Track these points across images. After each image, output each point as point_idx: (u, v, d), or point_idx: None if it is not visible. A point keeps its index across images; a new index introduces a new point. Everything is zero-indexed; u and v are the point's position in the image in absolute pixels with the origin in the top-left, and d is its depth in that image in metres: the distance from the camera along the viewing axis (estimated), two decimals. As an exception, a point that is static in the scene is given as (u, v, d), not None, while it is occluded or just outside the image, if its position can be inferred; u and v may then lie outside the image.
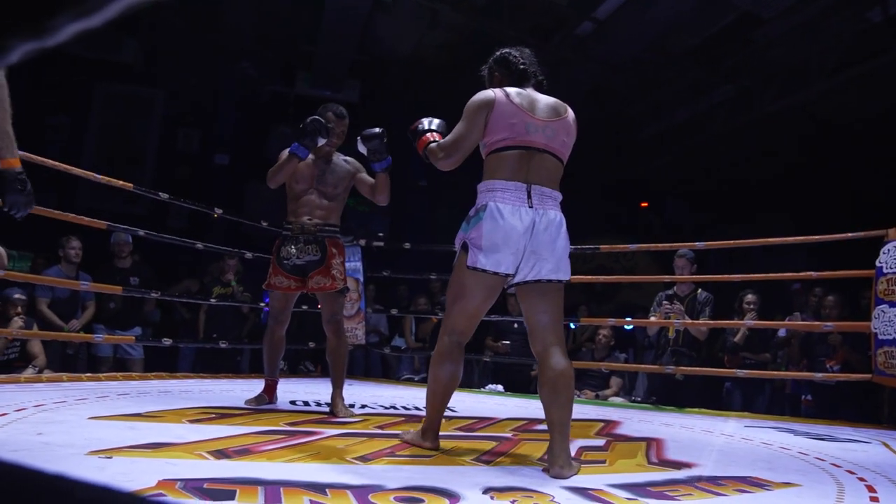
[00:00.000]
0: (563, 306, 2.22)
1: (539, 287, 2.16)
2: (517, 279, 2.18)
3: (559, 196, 2.22)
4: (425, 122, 2.46)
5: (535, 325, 2.19)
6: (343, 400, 3.24)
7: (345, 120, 3.29)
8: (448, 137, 2.27)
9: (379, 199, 3.22)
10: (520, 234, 2.10)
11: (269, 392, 3.44)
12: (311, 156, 3.21)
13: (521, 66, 2.33)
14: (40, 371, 4.14)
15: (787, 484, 2.05)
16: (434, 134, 2.40)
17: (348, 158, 3.37)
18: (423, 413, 3.42)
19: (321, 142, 3.12)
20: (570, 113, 2.30)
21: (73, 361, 4.86)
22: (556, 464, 1.98)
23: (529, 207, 2.12)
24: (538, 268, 2.13)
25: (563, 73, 7.82)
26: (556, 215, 2.17)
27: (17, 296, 4.15)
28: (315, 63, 8.33)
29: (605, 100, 8.54)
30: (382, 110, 9.03)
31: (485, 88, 2.34)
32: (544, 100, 2.28)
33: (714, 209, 9.76)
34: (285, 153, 3.19)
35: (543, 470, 2.04)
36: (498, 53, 2.41)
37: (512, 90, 2.24)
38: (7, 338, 3.94)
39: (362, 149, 3.06)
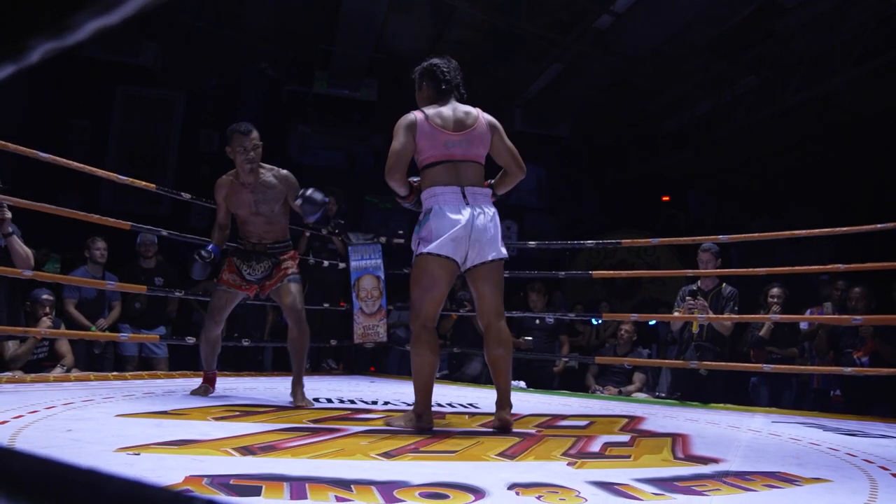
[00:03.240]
0: (503, 282, 2.68)
1: (484, 269, 2.60)
2: (468, 265, 2.59)
3: (489, 191, 2.65)
4: None
5: (481, 303, 2.67)
6: (303, 388, 3.26)
7: (252, 133, 3.25)
8: (388, 158, 2.60)
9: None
10: (462, 227, 2.50)
11: (212, 382, 3.52)
12: (237, 182, 3.29)
13: (444, 87, 2.67)
14: (68, 370, 4.21)
15: (818, 479, 2.01)
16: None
17: (280, 173, 3.34)
18: (445, 409, 3.46)
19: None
20: (481, 118, 2.66)
21: (100, 360, 4.93)
22: (505, 410, 2.59)
23: (466, 205, 2.53)
24: (482, 252, 2.56)
25: (583, 68, 7.77)
26: (490, 209, 2.60)
27: (45, 296, 4.22)
28: (333, 62, 8.36)
29: (625, 93, 8.47)
30: (401, 108, 9.04)
31: (414, 90, 2.78)
32: (459, 112, 2.64)
33: (737, 202, 9.66)
34: (221, 193, 3.37)
35: (493, 425, 2.61)
36: (427, 64, 2.74)
37: (432, 111, 2.61)
38: (36, 337, 4.00)
39: (299, 203, 3.12)
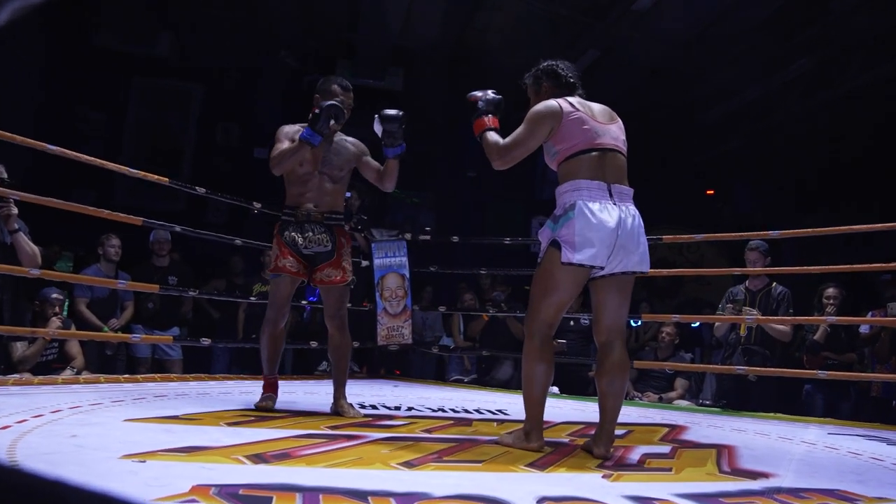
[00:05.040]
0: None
1: (622, 280, 2.46)
2: (604, 272, 2.42)
3: (632, 191, 2.50)
4: (482, 99, 2.66)
5: (607, 316, 2.48)
6: (347, 399, 3.22)
7: (350, 92, 3.21)
8: (508, 140, 2.51)
9: (386, 185, 3.24)
10: (611, 229, 2.34)
11: (275, 390, 3.31)
12: None
13: (571, 80, 2.62)
14: (78, 372, 4.26)
15: (882, 499, 1.94)
16: (492, 118, 2.63)
17: (352, 139, 3.31)
18: (473, 416, 3.42)
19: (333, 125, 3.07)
20: (619, 118, 2.61)
21: (112, 363, 4.98)
22: (603, 445, 2.38)
23: (613, 204, 2.38)
24: (626, 261, 2.40)
25: (621, 53, 7.66)
26: (635, 210, 2.46)
27: (54, 295, 4.27)
28: (356, 51, 8.37)
29: (666, 80, 8.32)
30: (428, 98, 9.02)
31: (528, 98, 2.66)
32: (598, 106, 2.57)
33: (789, 196, 9.42)
34: (286, 133, 3.12)
35: (585, 447, 2.46)
36: (545, 65, 2.67)
37: (573, 99, 2.51)
38: (45, 338, 4.06)
39: (378, 129, 3.06)
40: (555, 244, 2.39)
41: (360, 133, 3.40)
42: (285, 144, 3.09)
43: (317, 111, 2.97)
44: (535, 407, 2.45)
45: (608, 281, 2.45)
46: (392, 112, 3.04)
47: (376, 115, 3.05)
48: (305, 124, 3.14)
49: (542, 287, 2.44)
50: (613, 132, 2.50)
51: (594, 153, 2.42)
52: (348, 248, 3.28)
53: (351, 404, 3.22)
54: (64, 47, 7.55)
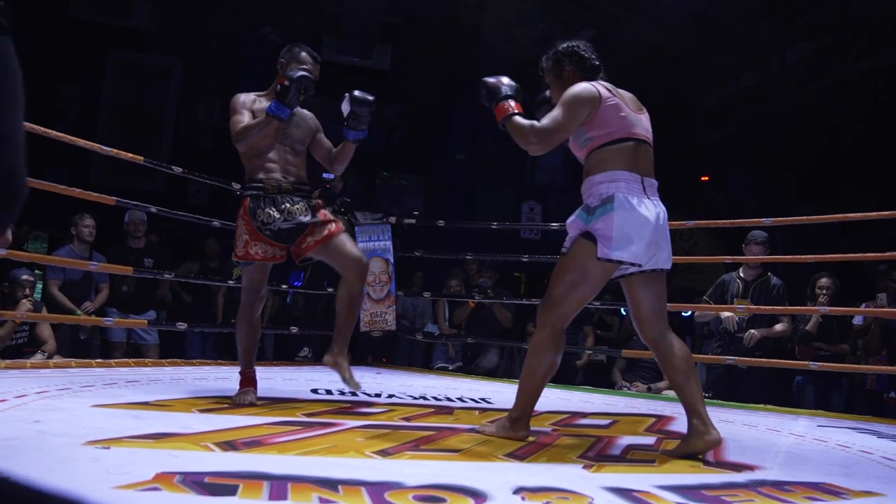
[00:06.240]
0: None
1: (654, 276, 2.43)
2: (634, 269, 2.40)
3: (657, 184, 2.47)
4: (503, 85, 2.56)
5: (648, 314, 2.45)
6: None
7: (318, 66, 3.11)
8: (546, 123, 2.40)
9: (336, 167, 3.23)
10: (652, 226, 2.32)
11: (254, 384, 3.09)
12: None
13: (595, 62, 2.56)
14: (50, 356, 4.22)
15: (868, 493, 1.94)
16: (514, 103, 2.52)
17: (307, 112, 3.20)
18: (455, 404, 3.42)
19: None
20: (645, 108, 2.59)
21: (87, 348, 4.94)
22: (712, 430, 2.29)
23: (648, 198, 2.37)
24: (657, 258, 2.38)
25: (615, 34, 7.62)
26: (662, 205, 2.44)
27: (24, 277, 4.23)
28: (342, 27, 8.29)
29: (662, 62, 8.30)
30: (417, 78, 8.96)
31: (545, 81, 2.65)
32: (627, 93, 2.52)
33: (785, 185, 9.45)
34: (243, 104, 3.02)
35: (688, 447, 2.33)
36: (565, 46, 2.61)
37: (606, 84, 2.46)
38: (15, 321, 4.02)
39: (346, 108, 3.03)
40: (588, 237, 2.34)
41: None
42: (245, 117, 2.99)
43: (286, 83, 2.85)
44: (530, 398, 2.45)
45: (640, 277, 2.43)
46: (364, 95, 3.03)
47: (346, 94, 3.03)
48: (262, 94, 3.08)
49: (570, 280, 2.38)
50: (645, 123, 2.48)
51: (630, 143, 2.40)
52: (327, 210, 3.14)
53: (350, 370, 3.00)
54: (36, 17, 7.42)
